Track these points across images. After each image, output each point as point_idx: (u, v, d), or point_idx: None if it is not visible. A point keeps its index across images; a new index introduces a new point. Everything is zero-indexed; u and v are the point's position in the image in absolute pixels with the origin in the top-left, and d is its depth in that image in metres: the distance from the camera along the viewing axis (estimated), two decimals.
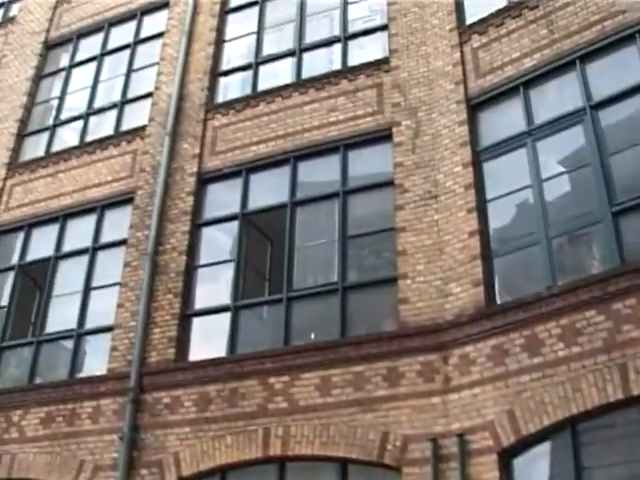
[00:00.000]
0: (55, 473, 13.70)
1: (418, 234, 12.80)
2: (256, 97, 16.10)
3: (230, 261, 14.57)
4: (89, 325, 15.37)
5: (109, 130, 17.95)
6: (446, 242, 12.47)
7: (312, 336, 13.42)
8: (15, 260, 17.34)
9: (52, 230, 17.05)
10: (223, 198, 15.46)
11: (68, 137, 18.93)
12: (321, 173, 14.74)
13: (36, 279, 16.92)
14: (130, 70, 18.87)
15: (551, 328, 10.76)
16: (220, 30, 17.94)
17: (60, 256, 16.68)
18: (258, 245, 14.89)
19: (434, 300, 12.13)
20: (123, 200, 16.41)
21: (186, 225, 15.08)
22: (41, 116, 19.85)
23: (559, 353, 10.57)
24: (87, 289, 15.75)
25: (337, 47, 16.18)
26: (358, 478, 11.74)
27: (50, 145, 18.77)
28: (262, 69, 16.81)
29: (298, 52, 16.45)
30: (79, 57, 20.35)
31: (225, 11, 18.37)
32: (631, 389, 9.82)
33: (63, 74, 20.20)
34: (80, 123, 18.73)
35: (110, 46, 19.90)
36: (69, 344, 15.38)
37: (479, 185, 12.73)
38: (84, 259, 16.19)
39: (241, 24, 18.03)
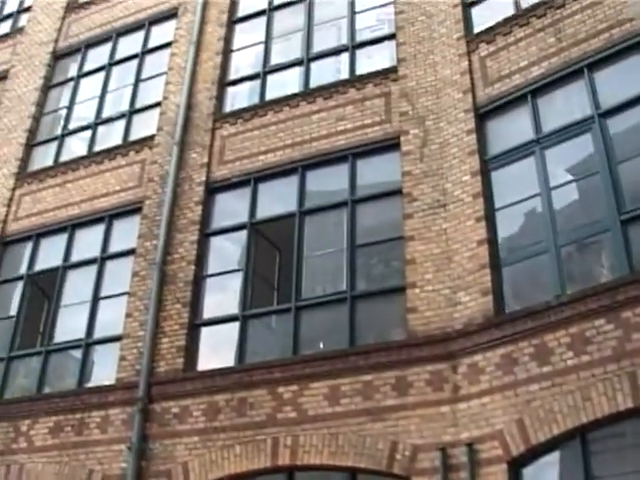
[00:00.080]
0: None
1: (427, 243, 12.78)
2: (264, 106, 16.11)
3: (238, 270, 14.57)
4: (97, 335, 15.37)
5: (117, 140, 17.99)
6: (455, 251, 12.45)
7: (321, 345, 13.41)
8: (24, 270, 17.36)
9: (60, 240, 17.07)
10: (231, 207, 15.47)
11: (76, 147, 18.96)
12: (329, 182, 14.74)
13: (45, 289, 16.95)
14: (138, 80, 18.92)
15: (560, 337, 10.72)
16: (228, 40, 17.97)
17: (68, 266, 16.70)
18: (266, 254, 14.89)
19: (443, 309, 12.11)
20: (131, 210, 16.43)
21: (194, 235, 15.09)
22: (49, 126, 19.90)
23: (568, 362, 10.53)
24: (95, 299, 15.76)
25: (345, 56, 16.18)
26: None
27: (58, 155, 18.81)
28: (270, 78, 16.83)
29: (306, 61, 16.47)
30: (87, 67, 20.40)
31: (233, 21, 18.41)
32: None
33: (71, 84, 20.26)
34: (88, 133, 18.77)
35: (118, 56, 19.97)
36: (78, 354, 15.38)
37: (487, 194, 12.71)
38: (92, 269, 16.20)
39: (249, 34, 18.06)
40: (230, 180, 15.59)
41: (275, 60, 17.09)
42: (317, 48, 16.63)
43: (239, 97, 17.14)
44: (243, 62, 17.71)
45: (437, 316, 12.07)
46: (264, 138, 15.62)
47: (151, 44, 19.52)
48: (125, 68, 19.57)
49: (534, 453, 10.53)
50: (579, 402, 10.19)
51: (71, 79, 20.40)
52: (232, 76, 17.49)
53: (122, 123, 18.34)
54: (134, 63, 19.38)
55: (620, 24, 12.38)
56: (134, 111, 18.40)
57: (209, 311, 14.46)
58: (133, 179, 16.83)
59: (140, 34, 19.84)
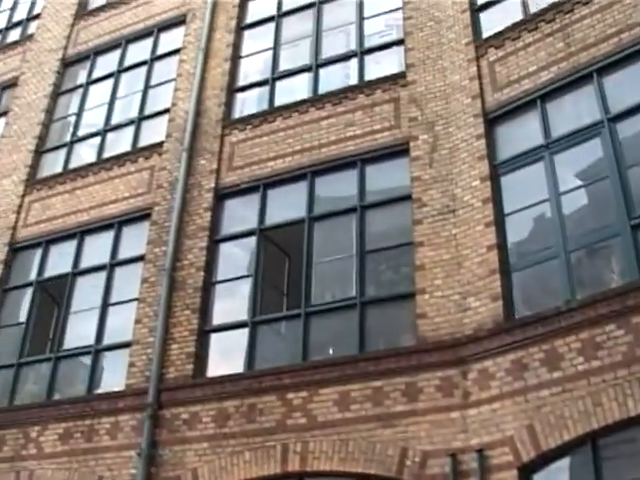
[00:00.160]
0: None
1: (436, 248, 12.76)
2: (273, 112, 16.12)
3: (248, 277, 14.58)
4: (107, 341, 15.38)
5: (126, 146, 18.02)
6: (464, 256, 12.43)
7: (330, 351, 13.39)
8: (33, 276, 17.40)
9: (70, 246, 17.11)
10: (240, 214, 15.47)
11: (85, 154, 19.01)
12: (338, 188, 14.72)
13: (54, 295, 16.98)
14: (147, 86, 18.96)
15: (570, 342, 10.69)
16: (236, 46, 17.99)
17: (78, 272, 16.72)
18: (276, 260, 14.88)
19: (453, 315, 12.08)
20: (140, 216, 16.45)
21: (204, 241, 15.09)
22: (59, 133, 19.95)
23: (579, 367, 10.50)
24: (105, 305, 15.77)
25: (353, 62, 16.19)
26: None
27: (68, 162, 18.85)
28: (279, 84, 16.85)
29: (314, 67, 16.48)
30: (96, 74, 20.46)
31: (241, 27, 18.44)
32: None
33: (80, 91, 20.31)
34: (97, 140, 18.81)
35: (127, 63, 20.02)
36: (87, 360, 15.39)
37: (497, 199, 12.69)
38: (102, 275, 16.22)
39: (257, 40, 18.09)
40: (239, 186, 15.60)
41: (284, 66, 17.11)
42: (326, 54, 16.65)
43: (248, 103, 17.17)
44: (252, 68, 17.74)
45: (447, 322, 12.05)
46: (273, 144, 15.63)
47: (160, 51, 19.57)
48: (134, 75, 19.61)
49: (545, 459, 10.49)
50: (590, 408, 10.16)
51: (80, 86, 20.45)
52: (241, 82, 17.52)
53: (131, 130, 18.37)
54: (143, 70, 19.42)
55: (629, 28, 12.36)
56: (143, 118, 18.43)
57: (218, 317, 14.46)
58: (142, 185, 16.85)
59: (149, 41, 19.90)
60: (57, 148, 19.51)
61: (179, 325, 14.29)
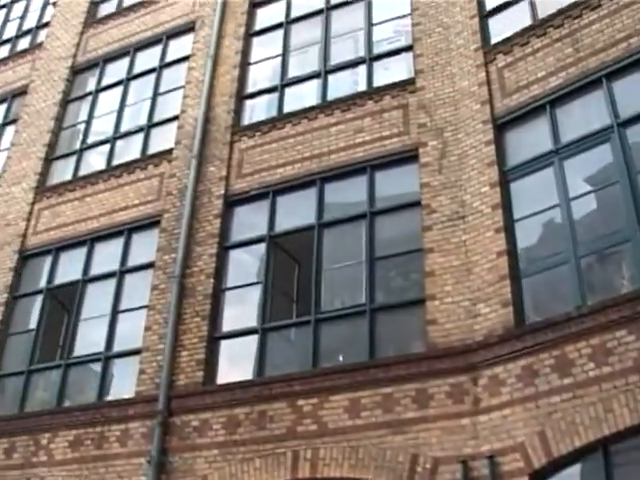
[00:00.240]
0: None
1: (446, 255, 12.74)
2: (282, 119, 16.14)
3: (257, 283, 14.57)
4: (117, 348, 15.39)
5: (136, 154, 18.05)
6: (474, 263, 12.40)
7: (340, 358, 13.37)
8: (43, 284, 17.42)
9: (80, 254, 17.13)
10: (250, 220, 15.47)
11: (95, 161, 19.05)
12: (348, 194, 14.72)
13: (64, 302, 17.00)
14: (156, 94, 19.00)
15: (581, 348, 10.66)
16: (245, 53, 18.02)
17: (88, 279, 16.74)
18: (285, 267, 14.88)
19: (463, 321, 12.06)
20: (150, 223, 16.48)
21: (213, 248, 15.10)
22: (68, 140, 20.00)
23: (590, 373, 10.47)
24: (115, 312, 15.79)
25: (362, 68, 16.19)
26: None
27: (77, 169, 18.89)
28: (287, 91, 16.87)
29: (323, 74, 16.49)
30: (105, 81, 20.52)
31: (250, 34, 18.47)
32: None
33: (90, 98, 20.36)
34: (107, 147, 18.85)
35: (136, 70, 20.06)
36: (97, 367, 15.42)
37: (506, 205, 12.67)
38: (112, 282, 16.24)
39: (266, 47, 18.12)
40: (249, 193, 15.61)
41: (292, 73, 17.13)
42: (334, 60, 16.66)
43: (257, 110, 17.18)
44: (261, 75, 17.76)
45: (457, 328, 12.03)
46: (282, 151, 15.64)
47: (169, 58, 19.62)
48: (143, 82, 19.66)
49: (556, 465, 10.45)
50: (601, 414, 10.13)
51: (89, 93, 20.51)
52: (250, 89, 17.55)
53: (140, 137, 18.41)
54: (152, 77, 19.47)
55: (638, 33, 12.35)
56: (152, 125, 18.46)
57: (228, 324, 14.45)
58: (152, 193, 16.88)
59: (158, 48, 19.95)
60: (67, 156, 19.56)
61: (189, 332, 14.30)
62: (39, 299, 17.24)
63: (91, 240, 17.12)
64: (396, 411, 11.77)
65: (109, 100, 19.82)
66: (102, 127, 19.38)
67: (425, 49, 15.27)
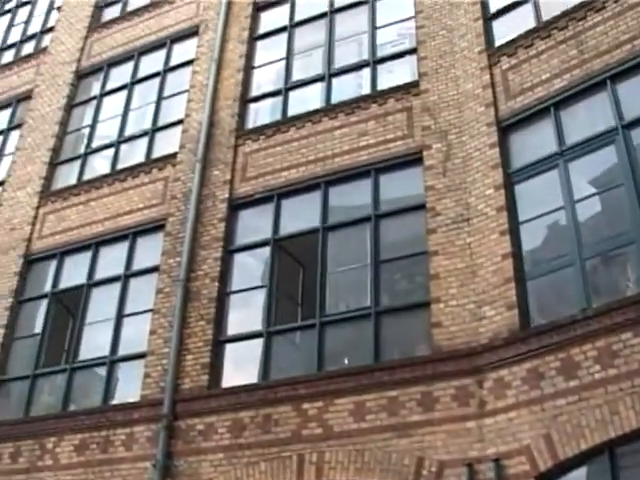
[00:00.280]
0: None
1: (451, 257, 12.73)
2: (286, 122, 16.14)
3: (262, 287, 14.56)
4: (122, 352, 15.39)
5: (140, 158, 18.07)
6: (479, 265, 12.39)
7: (345, 361, 13.37)
8: (48, 288, 17.43)
9: (84, 258, 17.14)
10: (254, 224, 15.47)
11: (100, 165, 19.06)
12: (352, 198, 14.72)
13: (69, 307, 17.02)
14: (160, 98, 19.01)
15: (587, 351, 10.64)
16: (249, 57, 18.03)
17: (93, 283, 16.75)
18: (290, 270, 14.88)
19: (468, 324, 12.04)
20: (155, 227, 16.48)
21: (218, 251, 15.10)
22: (73, 145, 20.03)
23: (595, 376, 10.45)
24: (120, 316, 15.79)
25: (366, 71, 16.19)
26: None
27: (82, 173, 18.91)
28: (292, 94, 16.87)
29: (327, 77, 16.49)
30: (110, 86, 20.53)
31: (254, 38, 18.48)
32: None
33: (94, 103, 20.39)
34: (111, 151, 18.87)
35: (140, 74, 20.08)
36: (102, 371, 15.41)
37: (511, 207, 12.65)
38: (116, 286, 16.24)
39: (270, 50, 18.12)
40: (253, 197, 15.61)
41: (296, 76, 17.13)
42: (338, 64, 16.66)
43: (261, 114, 17.20)
44: (265, 79, 17.77)
45: (462, 331, 12.01)
46: (286, 154, 15.64)
47: (173, 62, 19.64)
48: (147, 86, 19.68)
49: (562, 468, 10.43)
50: (607, 416, 10.11)
51: (94, 98, 20.53)
52: (254, 93, 17.55)
53: (145, 141, 18.42)
54: (156, 81, 19.49)
55: None
56: (156, 129, 18.47)
57: (233, 328, 14.46)
58: (156, 196, 16.89)
59: (162, 52, 19.96)
60: (71, 160, 19.58)
61: (194, 336, 14.29)
62: (44, 303, 17.24)
63: (96, 244, 17.13)
64: (401, 414, 11.75)
65: (113, 104, 19.84)
66: (106, 131, 19.40)
67: (429, 52, 15.26)
